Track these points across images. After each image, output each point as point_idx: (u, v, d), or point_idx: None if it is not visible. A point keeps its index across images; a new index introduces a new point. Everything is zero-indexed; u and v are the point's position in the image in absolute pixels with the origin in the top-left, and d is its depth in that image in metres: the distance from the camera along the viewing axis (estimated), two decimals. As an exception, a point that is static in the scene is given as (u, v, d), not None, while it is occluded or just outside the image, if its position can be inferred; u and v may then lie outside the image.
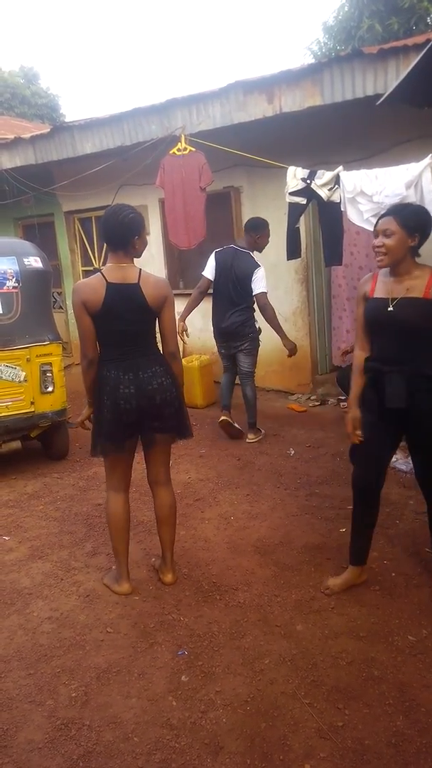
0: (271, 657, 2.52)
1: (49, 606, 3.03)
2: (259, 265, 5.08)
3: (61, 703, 2.36)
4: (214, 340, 5.46)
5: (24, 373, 4.66)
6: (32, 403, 4.71)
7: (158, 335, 2.97)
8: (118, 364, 2.81)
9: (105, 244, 2.80)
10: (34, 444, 5.10)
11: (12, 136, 7.82)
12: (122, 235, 2.75)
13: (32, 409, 4.71)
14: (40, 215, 9.00)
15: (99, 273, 2.78)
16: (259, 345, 5.29)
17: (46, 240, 8.74)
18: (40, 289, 4.97)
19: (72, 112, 30.08)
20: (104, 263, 2.81)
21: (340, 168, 4.75)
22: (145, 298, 2.78)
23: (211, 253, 5.30)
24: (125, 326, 2.79)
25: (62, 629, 2.83)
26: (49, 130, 7.52)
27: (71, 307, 2.87)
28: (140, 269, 2.84)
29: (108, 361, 2.83)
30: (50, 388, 4.77)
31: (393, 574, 3.06)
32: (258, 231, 5.18)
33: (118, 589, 3.07)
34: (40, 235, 8.80)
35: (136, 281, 2.79)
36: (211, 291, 5.29)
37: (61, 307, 9.25)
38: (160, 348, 2.98)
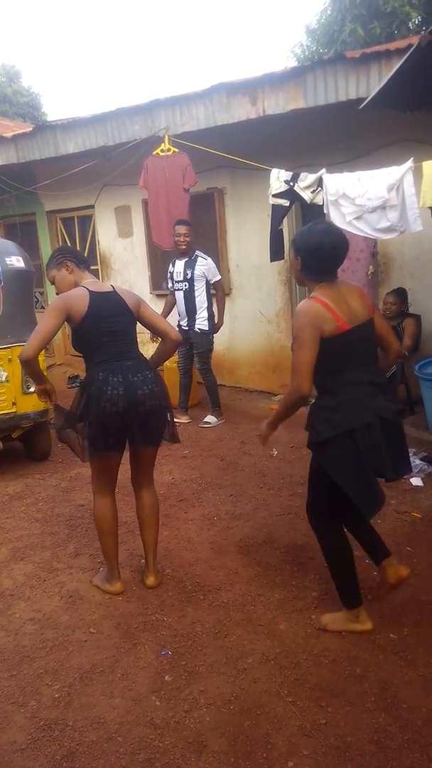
0: (255, 656, 2.54)
1: (32, 607, 3.01)
2: None
3: (44, 704, 2.36)
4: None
5: (6, 374, 4.63)
6: (14, 403, 4.67)
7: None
8: (105, 366, 2.84)
9: (75, 266, 3.03)
10: (15, 445, 5.07)
11: (-7, 135, 7.76)
12: (83, 255, 3.19)
13: (14, 410, 4.68)
14: (22, 215, 8.94)
15: (78, 287, 2.94)
16: None
17: (28, 239, 8.69)
18: (22, 289, 4.94)
19: (54, 111, 29.86)
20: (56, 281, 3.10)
21: (323, 171, 4.79)
22: (124, 300, 2.96)
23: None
24: (111, 326, 2.87)
25: (45, 630, 2.82)
26: (31, 129, 7.48)
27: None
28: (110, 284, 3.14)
29: (97, 364, 2.87)
30: (32, 389, 4.73)
31: (374, 573, 3.09)
32: None
33: (109, 589, 3.06)
34: (22, 235, 8.74)
35: (112, 289, 3.01)
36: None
37: (43, 307, 9.18)
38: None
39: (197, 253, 5.73)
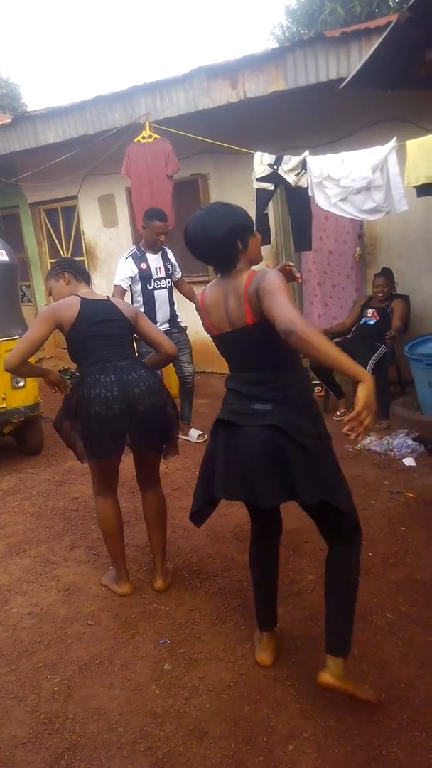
0: (253, 641, 2.54)
1: (29, 601, 3.01)
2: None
3: (44, 698, 2.36)
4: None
5: (-6, 369, 4.59)
6: (3, 398, 4.64)
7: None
8: (96, 368, 2.73)
9: (72, 277, 2.99)
10: (7, 440, 5.05)
11: (-28, 127, 7.65)
12: (85, 268, 3.18)
13: (4, 405, 4.65)
14: (5, 207, 8.85)
15: (70, 296, 2.90)
16: None
17: (11, 233, 8.60)
18: (7, 283, 4.90)
19: (34, 101, 29.53)
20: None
21: (307, 153, 4.75)
22: (117, 306, 2.92)
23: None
24: (103, 331, 2.79)
25: (43, 624, 2.81)
26: (10, 120, 7.38)
27: (41, 306, 2.96)
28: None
29: (87, 366, 2.76)
30: (21, 383, 4.71)
31: (370, 554, 3.11)
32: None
33: (118, 590, 2.99)
34: (5, 228, 8.66)
35: (106, 298, 2.97)
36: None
37: (29, 301, 9.12)
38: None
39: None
